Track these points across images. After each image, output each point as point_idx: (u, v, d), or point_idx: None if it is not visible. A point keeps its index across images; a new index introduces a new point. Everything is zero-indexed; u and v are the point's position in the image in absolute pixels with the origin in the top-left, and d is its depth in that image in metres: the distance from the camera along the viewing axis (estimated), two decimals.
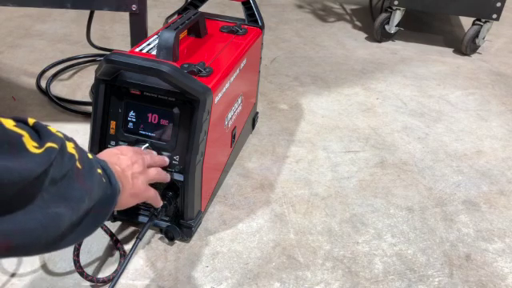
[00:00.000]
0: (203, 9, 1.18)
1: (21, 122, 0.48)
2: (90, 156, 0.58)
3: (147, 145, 0.89)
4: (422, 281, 0.91)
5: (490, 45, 2.08)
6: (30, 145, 0.46)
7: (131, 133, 0.90)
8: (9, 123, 0.45)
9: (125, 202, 0.73)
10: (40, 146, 0.47)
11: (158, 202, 0.85)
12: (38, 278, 0.86)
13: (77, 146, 0.55)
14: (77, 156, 0.53)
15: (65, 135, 0.53)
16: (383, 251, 0.98)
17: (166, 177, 0.87)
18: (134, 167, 0.75)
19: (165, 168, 0.89)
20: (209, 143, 0.91)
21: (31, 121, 0.49)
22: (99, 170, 0.59)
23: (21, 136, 0.45)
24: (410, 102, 1.57)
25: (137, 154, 0.79)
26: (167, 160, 0.88)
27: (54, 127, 0.54)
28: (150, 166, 0.82)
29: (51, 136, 0.49)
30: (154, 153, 0.88)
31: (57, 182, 0.49)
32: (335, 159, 1.25)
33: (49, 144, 0.48)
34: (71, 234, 0.53)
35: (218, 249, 0.95)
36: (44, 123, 0.52)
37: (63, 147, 0.50)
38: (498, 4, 1.83)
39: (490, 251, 1.00)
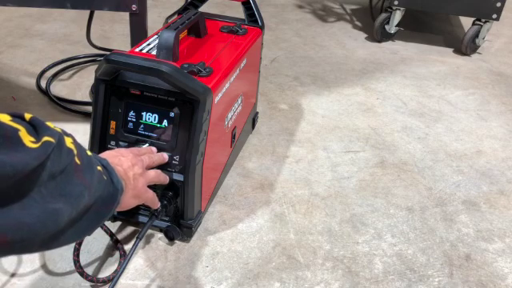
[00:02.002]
0: (203, 9, 1.18)
1: (17, 117, 0.47)
2: (89, 153, 0.58)
3: (147, 144, 0.89)
4: (422, 281, 0.91)
5: (489, 45, 2.08)
6: (27, 139, 0.46)
7: (131, 133, 0.91)
8: (5, 118, 0.45)
9: (127, 202, 0.73)
10: (37, 141, 0.47)
11: (156, 204, 0.85)
12: (37, 278, 0.86)
13: (75, 142, 0.54)
14: (75, 151, 0.53)
15: (63, 130, 0.53)
16: (383, 251, 0.98)
17: (164, 179, 0.87)
18: (135, 169, 0.75)
19: (165, 168, 0.89)
20: (209, 143, 0.91)
21: (28, 116, 0.49)
22: (99, 168, 0.59)
23: (17, 130, 0.45)
24: (409, 101, 1.57)
25: (136, 156, 0.79)
26: (166, 157, 0.88)
27: None
28: (148, 168, 0.82)
29: (48, 130, 0.49)
30: (154, 149, 0.88)
31: (55, 176, 0.49)
32: (335, 159, 1.25)
33: (46, 138, 0.48)
34: (71, 229, 0.53)
35: (218, 249, 0.95)
36: None
37: (61, 141, 0.50)
38: (498, 4, 1.83)
39: (490, 251, 1.00)
